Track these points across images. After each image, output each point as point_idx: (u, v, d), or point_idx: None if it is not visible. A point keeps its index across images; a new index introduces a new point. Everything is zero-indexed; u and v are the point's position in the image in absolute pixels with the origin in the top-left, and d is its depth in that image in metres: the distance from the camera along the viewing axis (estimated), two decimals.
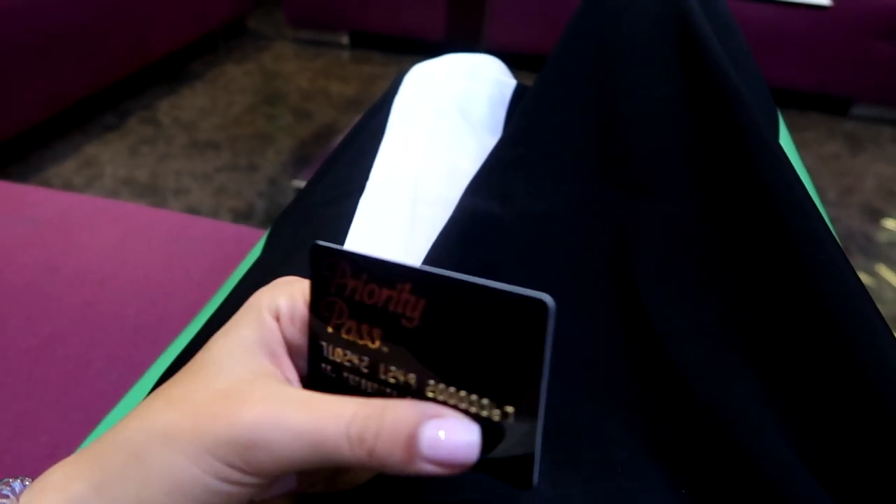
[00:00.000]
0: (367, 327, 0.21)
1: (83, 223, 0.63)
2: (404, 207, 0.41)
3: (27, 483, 0.21)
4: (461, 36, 1.34)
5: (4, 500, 0.20)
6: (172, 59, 2.01)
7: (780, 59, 1.94)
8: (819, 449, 0.27)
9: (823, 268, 0.29)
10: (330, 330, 0.22)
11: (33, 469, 0.22)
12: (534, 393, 0.19)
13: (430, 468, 0.18)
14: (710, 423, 0.29)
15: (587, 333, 0.34)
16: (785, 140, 0.49)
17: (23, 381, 0.48)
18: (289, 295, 0.23)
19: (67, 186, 1.48)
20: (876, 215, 1.56)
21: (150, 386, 0.41)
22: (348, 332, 0.22)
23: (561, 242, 0.38)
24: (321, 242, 0.22)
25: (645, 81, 0.41)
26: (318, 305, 0.22)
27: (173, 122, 1.76)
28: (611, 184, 0.39)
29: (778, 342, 0.30)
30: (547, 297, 0.18)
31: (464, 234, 0.38)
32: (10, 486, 0.20)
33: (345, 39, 2.35)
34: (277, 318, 0.23)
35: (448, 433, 0.19)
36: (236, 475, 0.19)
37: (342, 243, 0.39)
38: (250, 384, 0.21)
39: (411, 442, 0.18)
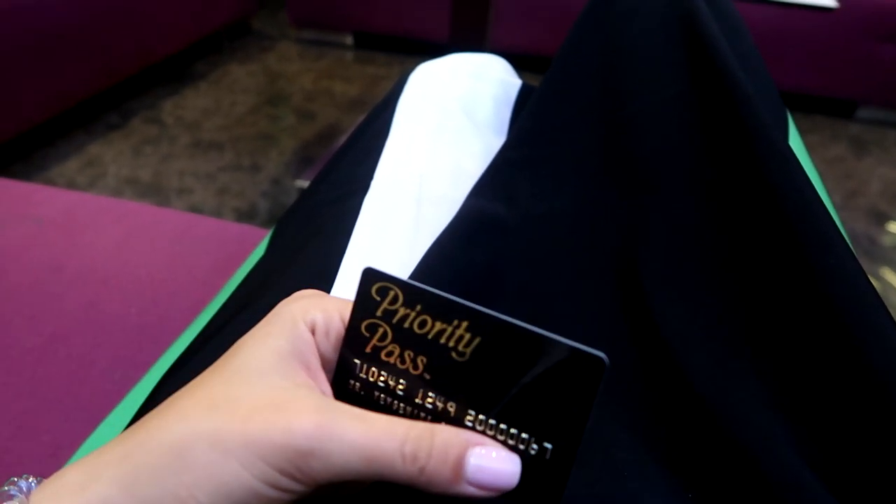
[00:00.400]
0: (412, 354, 0.22)
1: (87, 222, 0.63)
2: (409, 207, 0.41)
3: (32, 482, 0.20)
4: (465, 37, 1.34)
5: (12, 500, 0.19)
6: (176, 60, 2.01)
7: (784, 61, 1.93)
8: (825, 452, 0.27)
9: (833, 270, 0.29)
10: (368, 350, 0.23)
11: (35, 469, 0.22)
12: (576, 435, 0.20)
13: (472, 490, 0.20)
14: (714, 426, 0.28)
15: (591, 335, 0.34)
16: (795, 141, 0.48)
17: (26, 380, 0.48)
18: (323, 310, 0.23)
19: (71, 186, 1.48)
20: (881, 219, 1.56)
21: (152, 386, 0.41)
22: (388, 355, 0.22)
23: (565, 243, 0.38)
24: (373, 267, 0.22)
25: (651, 82, 0.41)
26: (359, 325, 0.23)
27: (177, 122, 1.76)
28: (616, 184, 0.39)
29: (784, 345, 0.30)
30: (603, 356, 0.20)
31: (468, 233, 0.38)
32: (17, 485, 0.20)
33: (349, 40, 2.35)
34: (312, 332, 0.23)
35: (493, 461, 0.20)
36: (285, 482, 0.20)
37: (346, 241, 0.39)
38: (295, 394, 0.21)
39: (459, 464, 0.20)
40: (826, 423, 0.27)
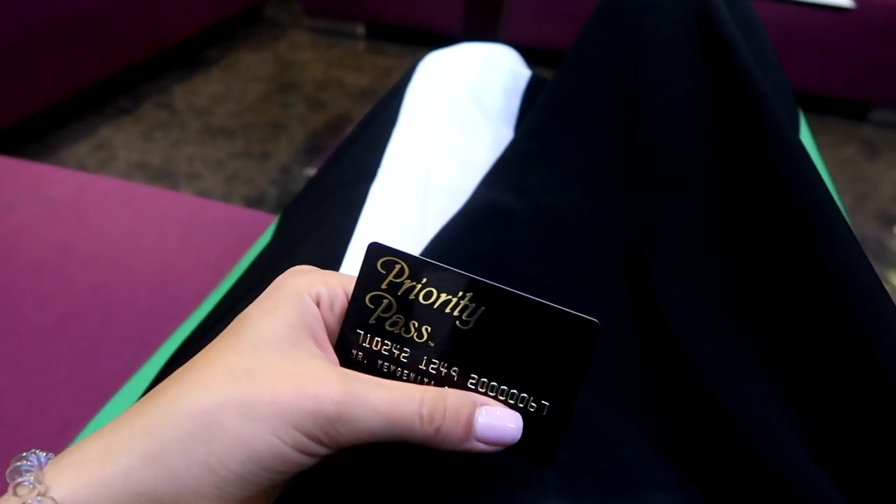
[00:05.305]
0: (417, 323, 0.24)
1: (98, 204, 0.63)
2: (416, 196, 0.41)
3: (42, 457, 0.20)
4: (478, 29, 1.33)
5: (26, 475, 0.19)
6: (189, 45, 2.01)
7: (798, 61, 1.92)
8: (831, 447, 0.27)
9: (842, 266, 0.29)
10: (372, 321, 0.24)
11: (44, 445, 0.22)
12: (572, 393, 0.22)
13: (480, 446, 0.22)
14: (722, 424, 0.28)
15: None
16: (805, 138, 0.48)
17: (35, 358, 0.49)
18: (326, 284, 0.24)
19: (81, 168, 1.49)
20: (890, 222, 1.55)
21: (159, 366, 0.41)
22: (393, 325, 0.24)
23: (575, 236, 0.38)
24: (378, 242, 0.24)
25: (666, 77, 0.41)
26: (364, 297, 0.24)
27: (188, 108, 1.77)
28: (628, 178, 0.39)
29: (793, 342, 0.30)
30: (597, 321, 0.22)
31: (475, 223, 0.38)
32: (28, 459, 0.19)
33: (360, 30, 2.35)
34: (317, 305, 0.24)
35: (498, 418, 0.22)
36: (313, 446, 0.21)
37: (353, 228, 0.39)
38: (313, 364, 0.22)
39: (469, 423, 0.22)
40: (832, 418, 0.27)
